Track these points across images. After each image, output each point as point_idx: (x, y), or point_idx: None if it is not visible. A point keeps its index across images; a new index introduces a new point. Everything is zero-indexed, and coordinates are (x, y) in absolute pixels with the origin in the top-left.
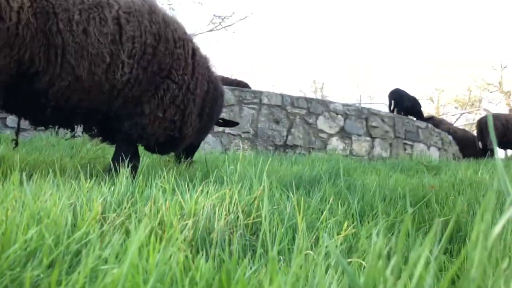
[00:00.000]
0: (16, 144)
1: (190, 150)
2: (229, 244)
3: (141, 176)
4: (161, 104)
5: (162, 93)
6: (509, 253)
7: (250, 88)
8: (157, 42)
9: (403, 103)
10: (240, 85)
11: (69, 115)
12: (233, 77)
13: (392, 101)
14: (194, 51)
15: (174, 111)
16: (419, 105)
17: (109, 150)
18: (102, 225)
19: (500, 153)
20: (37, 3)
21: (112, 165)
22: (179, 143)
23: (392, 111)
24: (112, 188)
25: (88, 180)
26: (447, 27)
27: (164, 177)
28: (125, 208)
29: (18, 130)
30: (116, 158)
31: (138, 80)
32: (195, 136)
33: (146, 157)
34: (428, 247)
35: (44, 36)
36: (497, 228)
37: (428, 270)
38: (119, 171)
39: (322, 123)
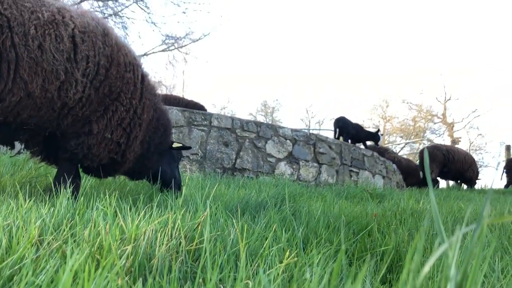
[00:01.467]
0: None
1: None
2: (170, 271)
3: (82, 198)
4: (109, 125)
5: (110, 114)
6: None
7: (206, 110)
8: (110, 65)
9: (349, 130)
10: (196, 106)
11: (14, 132)
12: (189, 98)
13: (337, 129)
14: (143, 76)
15: (121, 134)
16: (364, 131)
17: (52, 169)
18: (38, 248)
19: (442, 182)
20: None
21: (53, 185)
22: (119, 168)
23: (337, 138)
24: (52, 210)
25: (27, 200)
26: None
27: (106, 200)
28: (63, 231)
29: None
30: (58, 178)
31: (90, 100)
32: (135, 164)
33: (90, 178)
34: (359, 285)
35: None
36: (425, 268)
37: None
38: (60, 191)
39: (271, 147)
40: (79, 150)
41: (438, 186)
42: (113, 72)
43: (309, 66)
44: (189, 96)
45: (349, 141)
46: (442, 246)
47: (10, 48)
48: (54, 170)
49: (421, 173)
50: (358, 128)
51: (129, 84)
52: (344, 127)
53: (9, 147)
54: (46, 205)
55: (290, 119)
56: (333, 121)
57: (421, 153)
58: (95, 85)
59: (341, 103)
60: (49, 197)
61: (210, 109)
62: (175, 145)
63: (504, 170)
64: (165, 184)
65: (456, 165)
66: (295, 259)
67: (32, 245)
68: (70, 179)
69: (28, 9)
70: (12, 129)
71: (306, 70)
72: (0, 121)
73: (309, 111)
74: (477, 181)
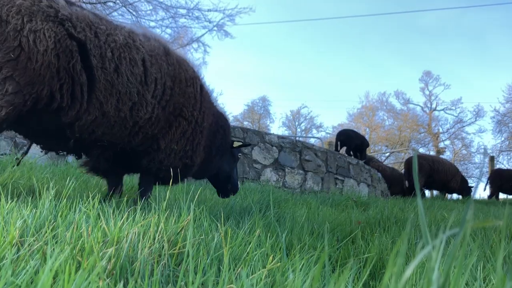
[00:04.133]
0: (18, 164)
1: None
2: (152, 274)
3: (65, 200)
4: (173, 139)
5: (174, 129)
6: None
7: None
8: (173, 84)
9: (351, 142)
10: None
11: (87, 147)
12: None
13: (339, 142)
14: (202, 87)
15: (185, 143)
16: (366, 144)
17: (35, 171)
18: (19, 249)
19: (425, 193)
20: (61, 43)
21: (140, 196)
22: (188, 173)
23: (337, 151)
24: (34, 211)
25: (9, 201)
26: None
27: (89, 202)
28: (45, 232)
29: (26, 153)
30: (143, 191)
31: (158, 118)
32: (199, 168)
33: (73, 180)
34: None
35: (67, 74)
36: (408, 272)
37: None
38: (146, 202)
39: (257, 153)
40: (152, 165)
41: (424, 195)
42: (176, 90)
43: (293, 73)
44: None
45: (351, 153)
46: (426, 248)
47: (81, 72)
48: (37, 173)
49: (406, 182)
50: (362, 139)
51: (190, 98)
52: (346, 141)
53: (75, 156)
54: (29, 206)
55: (276, 127)
56: (336, 134)
57: (407, 162)
58: (162, 104)
59: (326, 111)
60: (139, 209)
61: None
62: (235, 144)
63: (488, 181)
64: (223, 184)
65: (440, 176)
66: (278, 264)
67: (13, 246)
68: (150, 191)
69: (103, 32)
70: (86, 145)
71: (289, 77)
72: (77, 137)
73: (295, 117)
74: (471, 189)
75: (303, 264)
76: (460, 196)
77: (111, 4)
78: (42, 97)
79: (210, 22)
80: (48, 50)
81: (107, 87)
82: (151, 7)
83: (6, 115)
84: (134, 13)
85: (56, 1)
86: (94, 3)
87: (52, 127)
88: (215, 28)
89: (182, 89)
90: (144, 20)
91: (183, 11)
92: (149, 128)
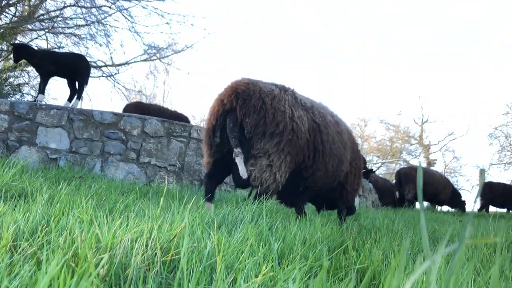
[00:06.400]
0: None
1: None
2: (144, 282)
3: (58, 204)
4: (352, 183)
5: (351, 176)
6: None
7: (189, 122)
8: (350, 141)
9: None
10: (179, 118)
11: (306, 190)
12: (173, 109)
13: None
14: (355, 139)
15: (357, 182)
16: (364, 162)
17: (29, 176)
18: (12, 254)
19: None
20: (311, 125)
21: (342, 217)
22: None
23: None
24: (27, 215)
25: (2, 204)
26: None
27: (82, 207)
28: (38, 237)
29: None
30: (342, 215)
31: (347, 169)
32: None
33: (65, 185)
34: None
35: (314, 146)
36: (407, 286)
37: None
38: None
39: None
40: (341, 205)
41: (414, 207)
42: (350, 145)
43: (291, 80)
44: (170, 106)
45: None
46: (425, 263)
47: (320, 144)
48: (30, 176)
49: (396, 193)
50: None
51: (356, 152)
52: None
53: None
54: (21, 210)
55: None
56: None
57: (398, 173)
58: (350, 159)
59: None
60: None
61: (189, 120)
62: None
63: (479, 194)
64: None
65: (431, 188)
66: (271, 273)
67: (6, 251)
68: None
69: (321, 115)
70: (307, 189)
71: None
72: (306, 186)
73: None
74: (464, 202)
75: (295, 274)
76: (452, 209)
77: (106, 9)
78: (299, 161)
79: (204, 29)
80: (306, 130)
81: (330, 152)
82: (146, 13)
83: (286, 177)
84: (129, 18)
85: (299, 96)
86: (89, 7)
87: (293, 179)
88: (209, 34)
89: (352, 145)
90: (139, 25)
91: (179, 18)
92: (341, 176)
